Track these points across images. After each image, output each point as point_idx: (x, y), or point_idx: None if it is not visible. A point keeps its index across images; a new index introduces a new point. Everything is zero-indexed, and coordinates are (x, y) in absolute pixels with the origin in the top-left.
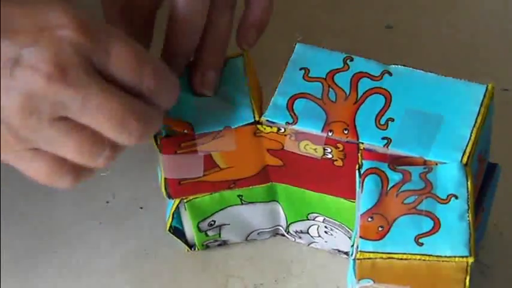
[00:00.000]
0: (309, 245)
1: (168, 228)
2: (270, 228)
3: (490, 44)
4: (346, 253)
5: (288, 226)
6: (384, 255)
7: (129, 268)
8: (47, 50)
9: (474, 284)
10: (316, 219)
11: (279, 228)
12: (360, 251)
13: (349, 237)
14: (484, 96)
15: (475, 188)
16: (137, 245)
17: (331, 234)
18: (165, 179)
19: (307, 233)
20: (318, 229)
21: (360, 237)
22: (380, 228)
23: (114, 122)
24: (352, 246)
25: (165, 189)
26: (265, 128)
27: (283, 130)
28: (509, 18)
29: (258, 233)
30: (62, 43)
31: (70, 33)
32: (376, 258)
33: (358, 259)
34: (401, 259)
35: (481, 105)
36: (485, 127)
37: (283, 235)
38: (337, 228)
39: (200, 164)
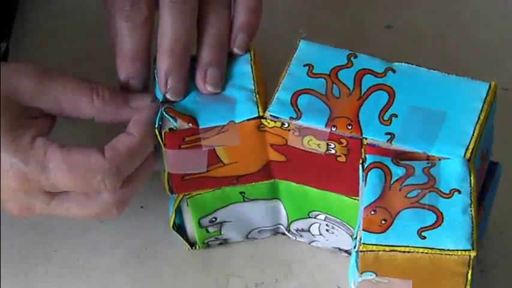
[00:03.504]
0: (310, 243)
1: (171, 225)
2: (270, 226)
3: (489, 44)
4: (347, 251)
5: (289, 224)
6: (387, 248)
7: (129, 267)
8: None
9: (474, 283)
10: (317, 217)
11: (279, 227)
12: (363, 244)
13: (351, 236)
14: (487, 93)
15: (477, 186)
16: (138, 244)
17: (333, 233)
18: (169, 174)
19: (309, 231)
20: (319, 227)
21: (363, 230)
22: (383, 222)
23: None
24: (355, 239)
25: (168, 184)
26: (269, 123)
27: (286, 125)
28: (509, 18)
29: (259, 231)
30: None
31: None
32: (379, 250)
33: (361, 251)
34: (404, 252)
35: (484, 102)
36: (488, 125)
37: (284, 234)
38: (338, 226)
39: (204, 159)
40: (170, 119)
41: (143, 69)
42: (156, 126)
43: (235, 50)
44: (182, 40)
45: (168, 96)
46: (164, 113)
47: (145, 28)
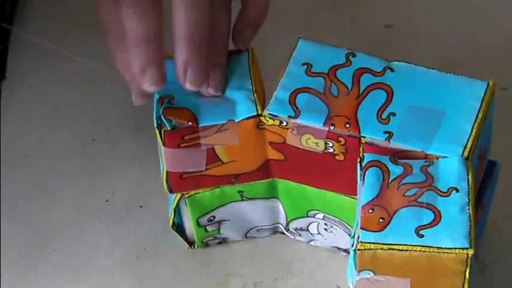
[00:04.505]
0: (308, 242)
1: (170, 224)
2: (269, 225)
3: (489, 43)
4: (346, 250)
5: (287, 223)
6: (385, 246)
7: (129, 266)
8: None
9: (474, 282)
10: (316, 216)
11: (278, 226)
12: (361, 242)
13: (349, 235)
14: (485, 92)
15: (475, 185)
16: (137, 244)
17: (331, 232)
18: (167, 172)
19: (307, 230)
20: (317, 226)
21: (361, 228)
22: (381, 220)
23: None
24: (353, 237)
25: (167, 183)
26: (267, 120)
27: (285, 123)
28: (509, 18)
29: (257, 230)
30: None
31: None
32: (376, 249)
33: (358, 250)
34: (402, 250)
35: (482, 100)
36: (486, 124)
37: (283, 233)
38: (336, 225)
39: (203, 157)
40: (166, 122)
41: (160, 52)
42: (155, 125)
43: (240, 46)
44: (200, 27)
45: (187, 86)
46: (162, 115)
47: (155, 12)
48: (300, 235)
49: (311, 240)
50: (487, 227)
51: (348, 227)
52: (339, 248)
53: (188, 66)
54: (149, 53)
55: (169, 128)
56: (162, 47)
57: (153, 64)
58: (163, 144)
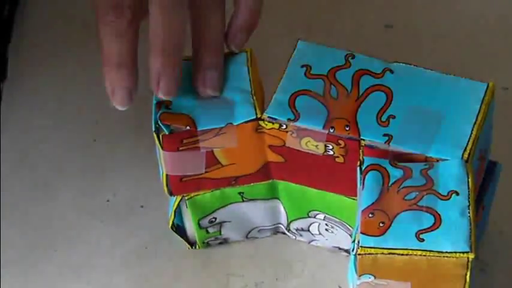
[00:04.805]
0: (309, 242)
1: (170, 225)
2: (270, 226)
3: (490, 43)
4: (347, 251)
5: (288, 224)
6: (385, 251)
7: (129, 267)
8: None
9: (474, 282)
10: (316, 216)
11: (279, 226)
12: (361, 247)
13: (350, 235)
14: (485, 94)
15: (475, 186)
16: (138, 244)
17: (332, 232)
18: (167, 175)
19: (308, 230)
20: (318, 227)
21: (361, 233)
22: (381, 224)
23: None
24: (353, 242)
25: (167, 185)
26: (266, 124)
27: (284, 127)
28: (509, 18)
29: (259, 231)
30: None
31: None
32: (377, 253)
33: (359, 254)
34: (402, 255)
35: (482, 102)
36: (486, 125)
37: (284, 233)
38: (337, 226)
39: (202, 160)
40: (163, 127)
41: (130, 77)
42: (154, 129)
43: (233, 48)
44: (174, 38)
45: (160, 95)
46: (159, 121)
47: (130, 33)
48: (301, 235)
49: (312, 241)
50: (488, 227)
51: (349, 227)
52: (340, 248)
53: (161, 76)
54: (119, 75)
55: (167, 133)
56: (133, 71)
57: (122, 86)
58: (162, 148)
